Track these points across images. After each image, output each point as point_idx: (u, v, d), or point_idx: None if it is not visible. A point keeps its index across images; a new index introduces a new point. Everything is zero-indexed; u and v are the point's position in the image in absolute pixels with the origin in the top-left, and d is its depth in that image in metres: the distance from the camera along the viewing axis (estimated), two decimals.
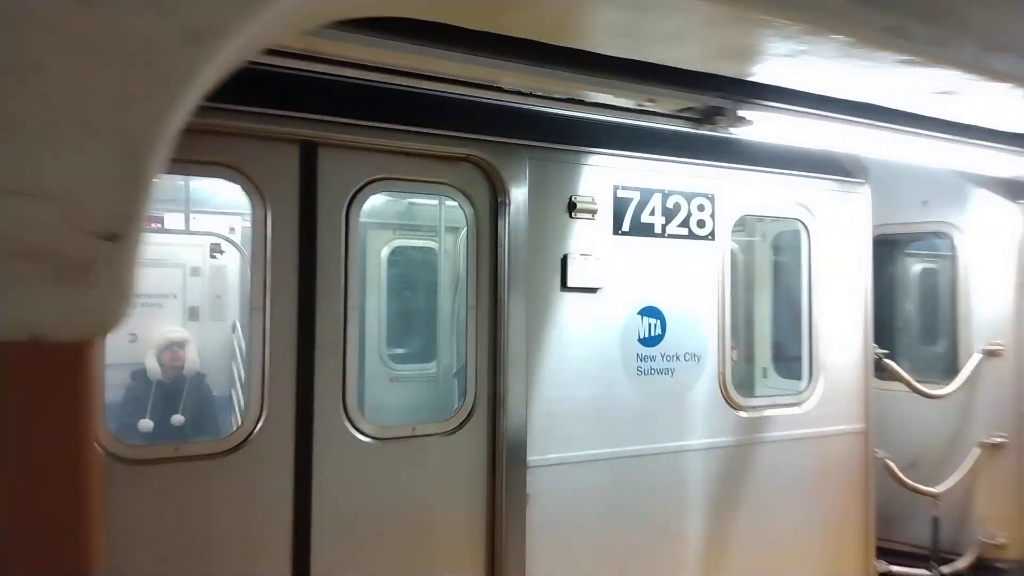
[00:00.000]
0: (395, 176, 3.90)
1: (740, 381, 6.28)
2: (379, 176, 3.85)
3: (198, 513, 3.50)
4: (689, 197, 4.53)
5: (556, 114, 3.99)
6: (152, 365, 6.04)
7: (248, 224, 3.70)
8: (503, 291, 4.04)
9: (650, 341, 4.34)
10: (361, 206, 3.82)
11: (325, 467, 3.66)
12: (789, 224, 5.66)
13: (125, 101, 1.65)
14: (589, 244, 4.23)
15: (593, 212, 4.23)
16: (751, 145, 4.50)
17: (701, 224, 4.58)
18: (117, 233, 1.64)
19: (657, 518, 4.41)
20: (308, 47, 3.09)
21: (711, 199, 4.63)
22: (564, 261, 4.14)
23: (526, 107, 3.88)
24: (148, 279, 6.39)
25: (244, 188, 3.56)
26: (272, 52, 3.06)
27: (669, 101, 3.74)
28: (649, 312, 4.34)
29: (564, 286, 4.14)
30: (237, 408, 6.44)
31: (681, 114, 3.93)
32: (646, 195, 4.38)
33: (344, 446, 3.69)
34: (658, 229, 4.43)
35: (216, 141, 3.43)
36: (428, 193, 4.47)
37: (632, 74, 3.44)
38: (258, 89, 3.44)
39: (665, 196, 4.45)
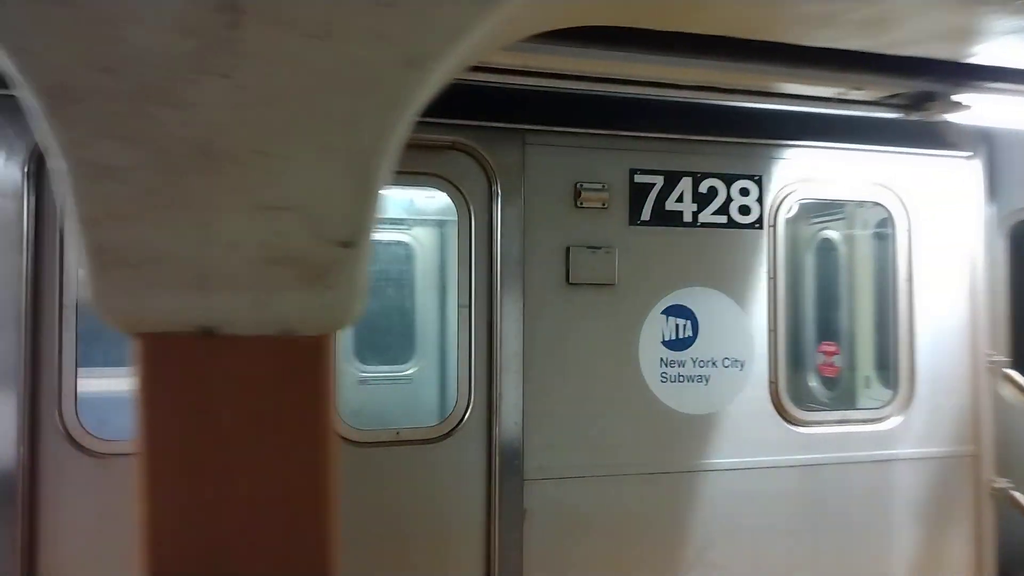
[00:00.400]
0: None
1: (842, 392, 5.65)
2: None
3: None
4: (729, 180, 3.98)
5: (557, 90, 3.48)
6: None
7: None
8: (495, 288, 3.75)
9: (678, 344, 3.85)
10: None
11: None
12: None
13: (355, 123, 1.85)
14: (598, 236, 3.81)
15: (603, 200, 3.80)
16: (809, 115, 3.87)
17: (745, 211, 4.00)
18: (351, 240, 1.86)
19: (689, 545, 3.89)
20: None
21: (758, 181, 4.04)
22: (568, 255, 3.77)
23: (519, 86, 3.39)
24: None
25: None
26: None
27: (875, 88, 3.52)
28: (676, 311, 3.84)
29: (568, 283, 3.78)
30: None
31: (887, 101, 3.68)
32: (672, 179, 3.89)
33: None
34: (688, 218, 3.91)
35: None
36: (417, 185, 4.08)
37: (825, 62, 3.26)
38: None
39: (697, 180, 3.94)
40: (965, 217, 4.51)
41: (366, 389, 6.21)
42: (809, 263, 5.53)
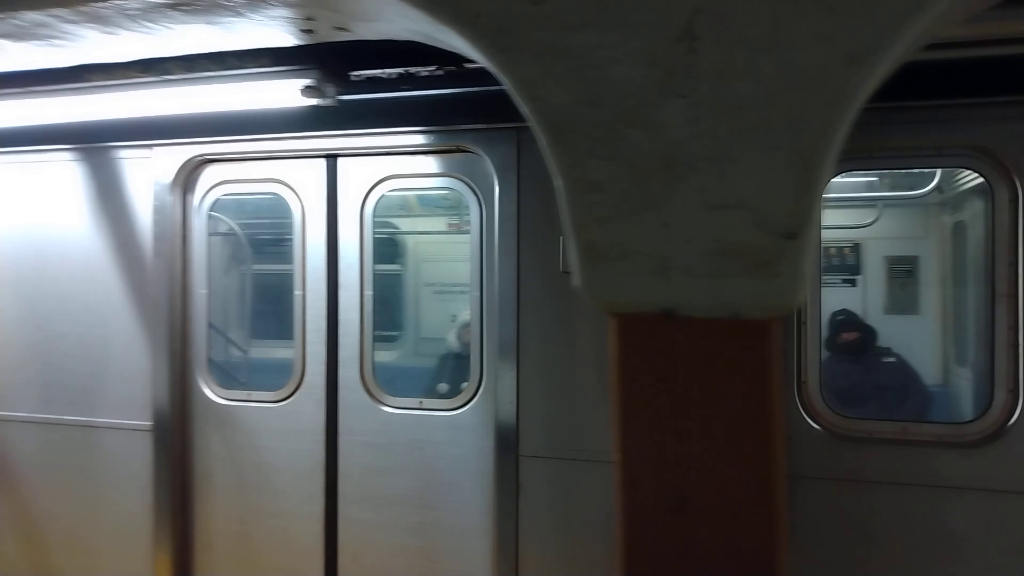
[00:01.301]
0: (407, 174, 4.12)
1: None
2: (391, 175, 4.13)
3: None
4: None
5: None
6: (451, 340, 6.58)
7: None
8: (492, 277, 3.88)
9: None
10: (374, 202, 4.17)
11: None
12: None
13: (800, 123, 2.02)
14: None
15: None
16: None
17: None
18: (794, 232, 2.03)
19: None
20: None
21: None
22: (560, 245, 3.69)
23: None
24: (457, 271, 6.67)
25: None
26: None
27: None
28: None
29: (562, 272, 3.67)
30: None
31: None
32: None
33: None
34: None
35: None
36: (444, 187, 4.31)
37: None
38: None
39: None
40: None
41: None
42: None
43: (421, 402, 4.09)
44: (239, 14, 2.63)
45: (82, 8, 2.59)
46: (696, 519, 2.17)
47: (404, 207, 7.37)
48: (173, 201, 4.34)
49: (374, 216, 4.19)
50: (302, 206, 4.26)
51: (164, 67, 3.46)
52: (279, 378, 4.31)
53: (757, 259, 2.07)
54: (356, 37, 2.89)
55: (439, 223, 7.59)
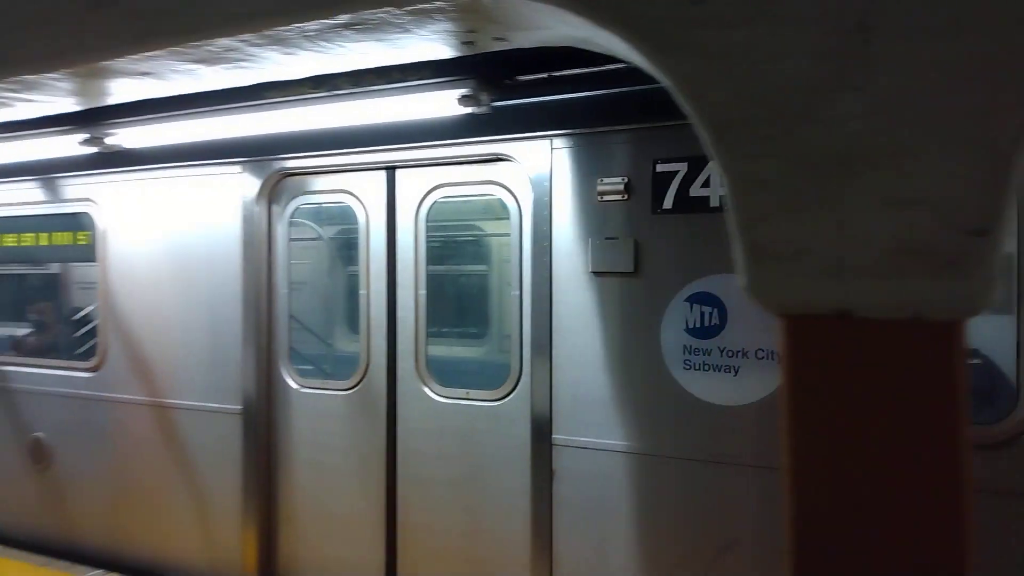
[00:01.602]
0: (454, 182, 4.34)
1: None
2: (440, 184, 4.36)
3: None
4: None
5: (578, 98, 3.84)
6: None
7: None
8: (525, 278, 4.05)
9: (702, 332, 3.57)
10: (427, 210, 4.41)
11: None
12: None
13: (990, 116, 1.90)
14: (617, 227, 3.78)
15: (621, 193, 3.74)
16: None
17: None
18: (984, 229, 1.91)
19: (715, 534, 3.56)
20: None
21: None
22: (589, 246, 3.83)
23: (544, 99, 3.93)
24: None
25: None
26: None
27: None
28: (701, 299, 3.58)
29: (590, 272, 3.83)
30: None
31: None
32: (696, 165, 3.57)
33: None
34: (715, 202, 3.54)
35: None
36: (487, 194, 4.34)
37: None
38: None
39: None
40: None
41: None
42: None
43: (468, 393, 4.31)
44: (406, 30, 2.77)
45: (267, 32, 2.82)
46: (873, 530, 2.08)
47: (489, 211, 7.62)
48: (259, 211, 4.77)
49: (427, 221, 4.45)
50: (366, 213, 4.58)
51: (334, 83, 3.69)
52: (349, 368, 4.66)
53: (942, 258, 1.96)
54: (513, 46, 2.97)
55: None
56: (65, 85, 3.58)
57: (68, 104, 4.01)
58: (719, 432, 3.55)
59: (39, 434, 5.67)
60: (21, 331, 7.31)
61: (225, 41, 2.92)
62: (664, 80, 2.26)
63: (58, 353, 5.85)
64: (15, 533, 5.77)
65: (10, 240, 6.11)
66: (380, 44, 2.96)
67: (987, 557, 3.09)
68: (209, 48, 3.01)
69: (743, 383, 3.52)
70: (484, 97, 3.65)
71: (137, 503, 5.27)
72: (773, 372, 3.44)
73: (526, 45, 2.95)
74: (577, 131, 3.89)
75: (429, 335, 4.44)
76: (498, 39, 2.87)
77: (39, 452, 5.66)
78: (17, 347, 6.58)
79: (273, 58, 3.14)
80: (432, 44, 2.97)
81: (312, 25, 2.73)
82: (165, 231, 5.10)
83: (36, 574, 4.99)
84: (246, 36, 2.87)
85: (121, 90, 3.73)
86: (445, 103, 3.71)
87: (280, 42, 2.94)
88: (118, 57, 3.15)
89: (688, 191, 3.62)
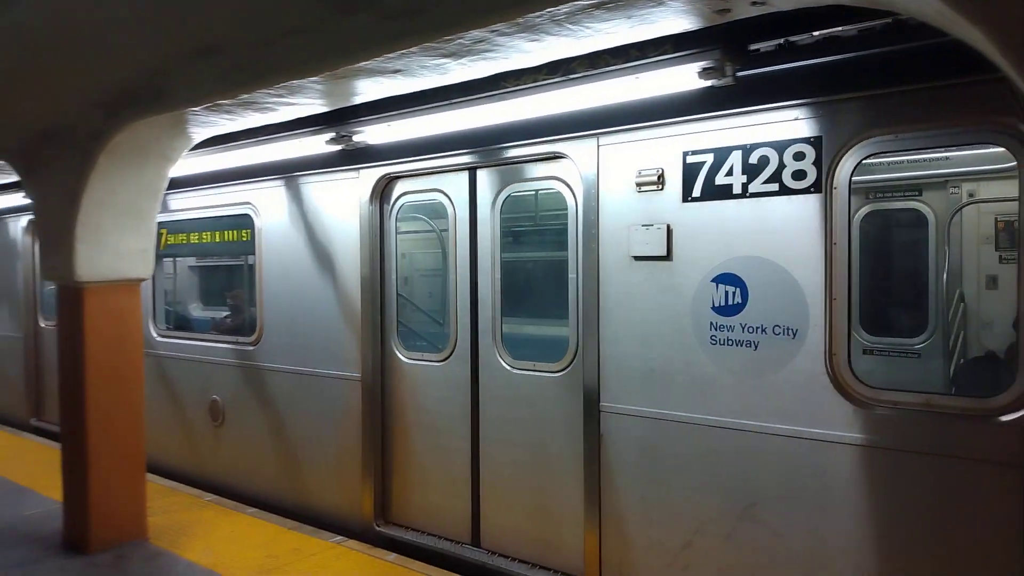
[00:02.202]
0: (522, 178, 4.96)
1: None
2: (513, 180, 5.00)
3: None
4: (781, 147, 3.70)
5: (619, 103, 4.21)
6: None
7: None
8: (574, 263, 4.56)
9: (727, 310, 3.90)
10: (501, 203, 5.07)
11: None
12: None
13: None
14: (653, 214, 4.16)
15: (656, 183, 4.12)
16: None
17: (800, 176, 3.65)
18: None
19: (735, 496, 3.89)
20: None
21: (815, 143, 3.59)
22: (628, 234, 4.24)
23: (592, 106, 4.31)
24: None
25: None
26: None
27: None
28: (726, 279, 3.90)
29: (632, 256, 4.23)
30: None
31: None
32: (721, 155, 3.90)
33: None
34: (737, 189, 3.84)
35: None
36: (550, 188, 4.88)
37: None
38: None
39: (747, 151, 3.81)
40: None
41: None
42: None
43: (535, 365, 4.86)
44: (660, 3, 2.68)
45: (517, 20, 2.85)
46: None
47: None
48: (372, 209, 5.61)
49: (501, 213, 5.06)
50: (453, 209, 5.23)
51: (569, 67, 3.80)
52: (442, 343, 5.40)
53: None
54: (772, 9, 2.81)
55: None
56: (320, 87, 3.86)
57: (317, 107, 4.34)
58: (736, 401, 3.86)
59: (216, 397, 6.93)
60: (221, 313, 8.84)
61: (476, 33, 2.97)
62: (967, 32, 2.15)
63: (243, 331, 7.09)
64: (198, 477, 7.09)
65: (199, 238, 7.44)
66: (628, 21, 2.89)
67: None
68: (460, 41, 3.08)
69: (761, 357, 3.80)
70: (728, 68, 3.57)
71: (284, 455, 6.33)
72: (788, 347, 3.68)
73: (785, 8, 2.81)
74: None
75: (504, 314, 5.04)
76: (756, 3, 2.71)
77: (216, 411, 6.92)
78: (217, 327, 8.07)
79: (518, 46, 3.14)
80: (682, 16, 2.85)
81: (563, 8, 2.72)
82: (303, 228, 6.09)
83: (259, 527, 5.72)
84: (497, 26, 2.89)
85: (369, 90, 3.93)
86: (682, 78, 3.75)
87: (529, 29, 2.93)
88: (374, 58, 3.32)
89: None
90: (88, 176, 4.96)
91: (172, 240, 7.58)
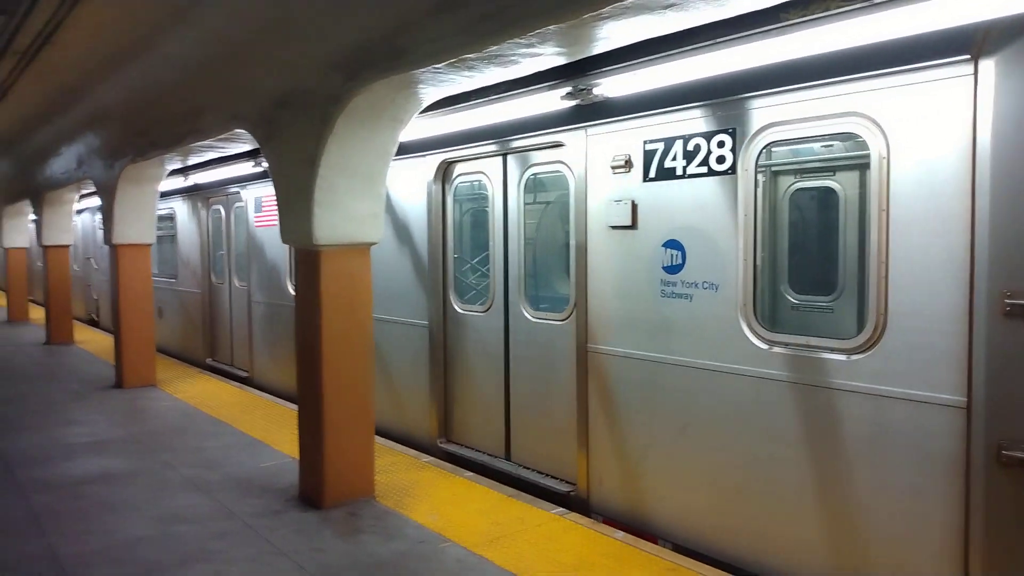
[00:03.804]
0: (539, 162, 6.06)
1: None
2: (533, 163, 6.10)
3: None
4: (709, 136, 4.60)
5: (608, 98, 5.12)
6: None
7: None
8: (569, 232, 5.62)
9: (672, 269, 4.86)
10: (524, 184, 6.25)
11: None
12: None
13: None
14: (623, 192, 5.14)
15: (625, 166, 5.11)
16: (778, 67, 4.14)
17: (721, 160, 4.54)
18: None
19: (675, 419, 4.89)
20: None
21: (732, 133, 4.47)
22: (606, 207, 5.27)
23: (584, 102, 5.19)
24: None
25: None
26: None
27: None
28: (671, 244, 4.85)
29: (609, 226, 5.25)
30: None
31: None
32: (669, 143, 4.83)
33: None
34: (679, 171, 4.78)
35: None
36: (554, 171, 5.98)
37: None
38: None
39: (686, 140, 4.72)
40: (955, 138, 3.55)
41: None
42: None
43: (547, 316, 6.01)
44: None
45: None
46: None
47: None
48: (436, 188, 6.92)
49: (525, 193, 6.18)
50: (492, 190, 6.45)
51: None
52: (485, 297, 6.65)
53: None
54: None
55: None
56: (572, 33, 3.45)
57: (559, 58, 3.94)
58: (679, 342, 4.79)
59: None
60: None
61: None
62: None
63: None
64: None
65: None
66: None
67: None
68: None
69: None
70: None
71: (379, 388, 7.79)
72: (712, 298, 4.59)
73: None
74: None
75: (526, 275, 6.20)
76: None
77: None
78: None
79: None
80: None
81: None
82: (391, 203, 7.44)
83: (477, 492, 5.71)
84: None
85: (622, 32, 3.46)
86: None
87: None
88: None
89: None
90: (326, 140, 4.96)
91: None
